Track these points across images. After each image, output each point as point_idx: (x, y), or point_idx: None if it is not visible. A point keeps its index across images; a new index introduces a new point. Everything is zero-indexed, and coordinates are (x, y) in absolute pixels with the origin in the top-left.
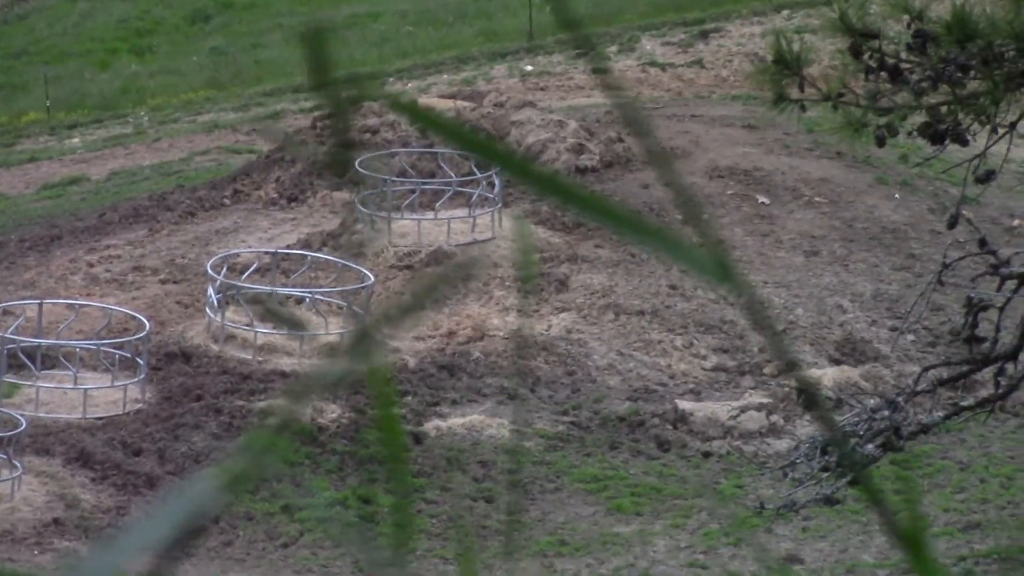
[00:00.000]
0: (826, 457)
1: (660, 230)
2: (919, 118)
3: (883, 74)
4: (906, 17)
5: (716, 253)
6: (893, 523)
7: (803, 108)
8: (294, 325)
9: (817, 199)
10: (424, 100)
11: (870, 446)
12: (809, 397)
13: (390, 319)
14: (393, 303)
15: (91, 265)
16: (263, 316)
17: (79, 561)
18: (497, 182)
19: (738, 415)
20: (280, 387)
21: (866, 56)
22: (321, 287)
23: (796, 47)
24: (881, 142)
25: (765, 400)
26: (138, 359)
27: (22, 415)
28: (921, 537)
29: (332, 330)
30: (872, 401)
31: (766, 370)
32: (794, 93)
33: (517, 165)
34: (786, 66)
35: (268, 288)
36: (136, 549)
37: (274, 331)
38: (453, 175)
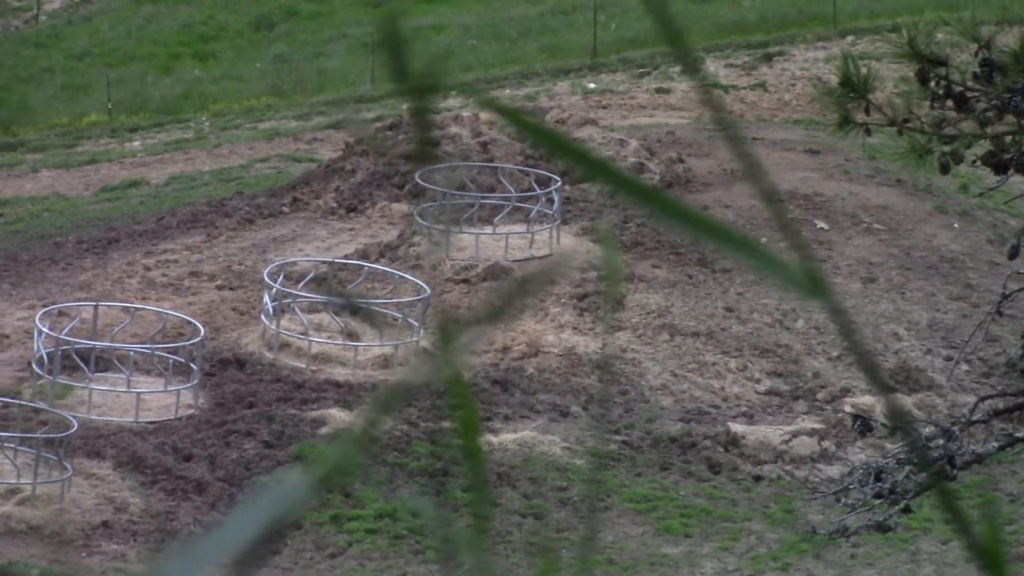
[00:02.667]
0: (880, 484)
1: (753, 243)
2: (983, 147)
3: (949, 102)
4: (974, 45)
5: (809, 268)
6: (972, 537)
7: (868, 132)
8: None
9: (876, 226)
10: (484, 114)
11: (924, 474)
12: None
13: (474, 326)
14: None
15: (148, 269)
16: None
17: (164, 563)
18: (556, 198)
19: (790, 440)
20: (366, 396)
21: (932, 83)
22: (378, 298)
23: (864, 70)
24: (945, 169)
25: (817, 425)
26: (192, 364)
27: (74, 417)
28: (999, 553)
29: (387, 341)
30: (927, 429)
31: (819, 396)
32: (859, 117)
33: (611, 173)
34: (853, 89)
35: (323, 297)
36: (221, 550)
37: (328, 340)
38: (513, 190)
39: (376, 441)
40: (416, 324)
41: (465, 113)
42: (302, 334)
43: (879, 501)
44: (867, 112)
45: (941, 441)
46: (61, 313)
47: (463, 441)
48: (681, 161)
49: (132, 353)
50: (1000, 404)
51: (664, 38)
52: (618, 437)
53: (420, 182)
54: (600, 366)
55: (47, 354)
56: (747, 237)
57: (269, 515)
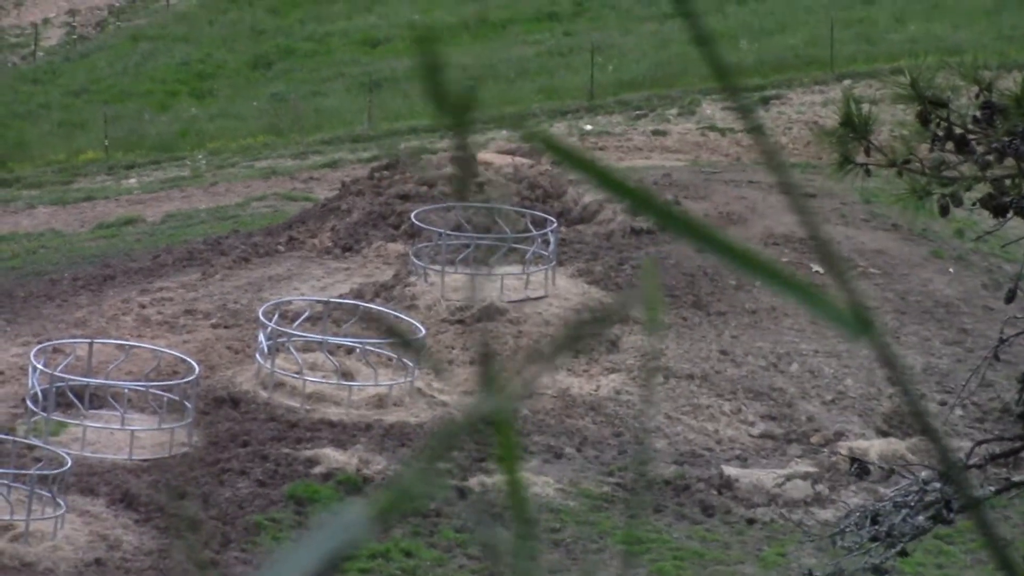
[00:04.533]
0: (876, 527)
1: (802, 281)
2: (982, 190)
3: (949, 144)
4: (975, 88)
5: (857, 307)
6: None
7: (868, 173)
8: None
9: (871, 270)
10: (483, 155)
11: (920, 517)
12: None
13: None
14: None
15: (143, 306)
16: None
17: None
18: (552, 240)
19: (784, 483)
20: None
21: (933, 125)
22: (372, 338)
23: (864, 111)
24: (945, 211)
25: (811, 469)
26: (186, 402)
27: (68, 453)
28: None
29: (381, 381)
30: (924, 473)
31: (813, 439)
32: (860, 158)
33: (657, 207)
34: (853, 129)
35: (319, 336)
36: None
37: (323, 380)
38: (508, 231)
39: (437, 475)
40: (411, 365)
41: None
42: (297, 373)
43: (875, 544)
44: (867, 153)
45: (938, 485)
46: (56, 350)
47: (507, 481)
48: (678, 203)
49: (126, 390)
50: (996, 448)
51: (714, 75)
52: (612, 479)
53: (416, 222)
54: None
55: (41, 391)
56: (794, 274)
57: (328, 549)
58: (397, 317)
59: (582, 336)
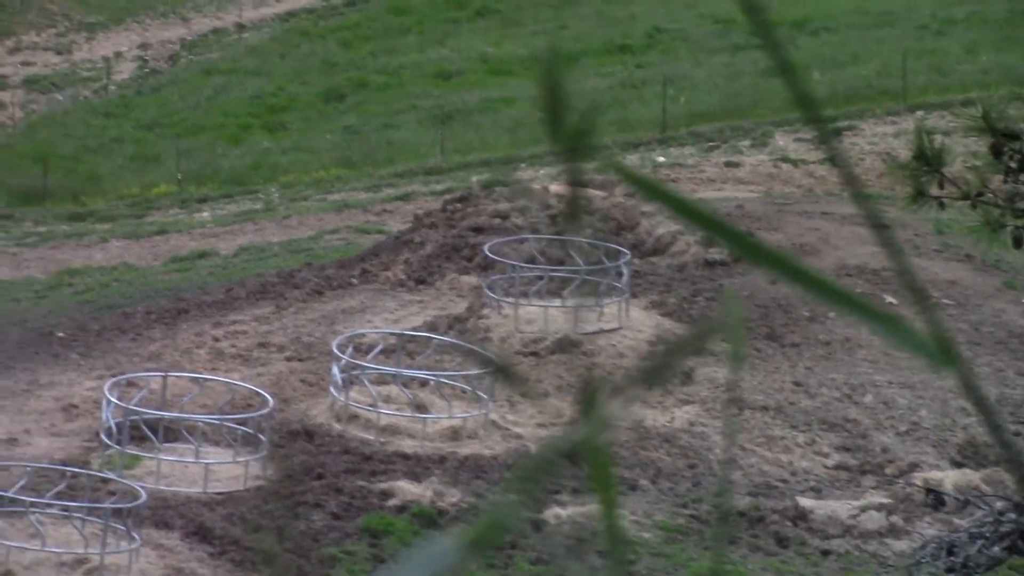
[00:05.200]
0: (952, 558)
1: (883, 311)
2: None
3: (1022, 176)
4: None
5: (940, 337)
6: None
7: (941, 206)
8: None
9: (944, 301)
10: (555, 187)
11: (996, 548)
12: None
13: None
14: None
15: (217, 340)
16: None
17: None
18: (625, 272)
19: (858, 514)
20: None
21: (1006, 157)
22: (446, 370)
23: (937, 143)
24: (1018, 243)
25: (886, 500)
26: (260, 435)
27: (142, 487)
28: None
29: (455, 413)
30: (999, 504)
31: (888, 470)
32: (933, 190)
33: (738, 238)
34: (926, 162)
35: (393, 369)
36: None
37: (397, 412)
38: (582, 263)
39: (530, 505)
40: (485, 397)
41: (535, 186)
42: (371, 406)
43: (951, 575)
44: (941, 186)
45: (1013, 515)
46: (130, 383)
47: (602, 510)
48: (751, 235)
49: (201, 424)
50: None
51: (795, 104)
52: (686, 511)
53: (489, 254)
54: (730, 400)
55: (116, 424)
56: (874, 304)
57: None
58: (476, 349)
59: (667, 367)
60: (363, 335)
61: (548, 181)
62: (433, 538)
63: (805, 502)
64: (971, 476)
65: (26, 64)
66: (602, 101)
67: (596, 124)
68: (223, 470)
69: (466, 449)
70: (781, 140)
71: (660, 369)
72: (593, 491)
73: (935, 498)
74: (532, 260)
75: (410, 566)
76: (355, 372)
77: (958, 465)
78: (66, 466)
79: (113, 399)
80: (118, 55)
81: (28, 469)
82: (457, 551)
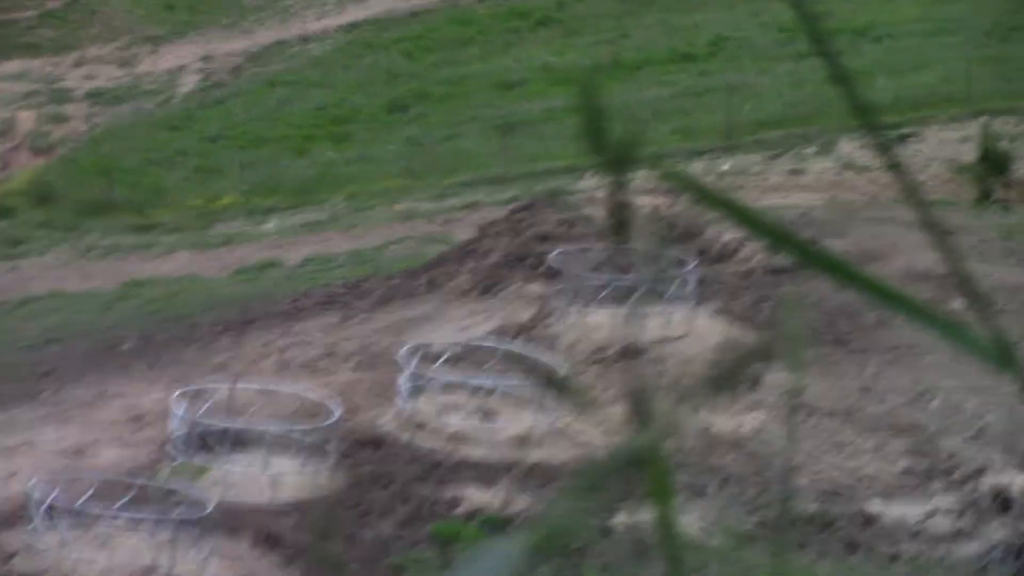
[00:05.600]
0: (1019, 561)
1: (945, 316)
2: None
3: None
4: None
5: (999, 341)
6: None
7: (1006, 209)
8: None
9: (1010, 306)
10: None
11: None
12: None
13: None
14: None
15: (283, 350)
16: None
17: None
18: (691, 279)
19: (926, 519)
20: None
21: None
22: (512, 378)
23: (1001, 147)
24: None
25: (954, 504)
26: (327, 445)
27: (210, 497)
28: None
29: (522, 422)
30: None
31: (955, 475)
32: (999, 193)
33: (798, 246)
34: (991, 166)
35: (460, 378)
36: None
37: (464, 420)
38: (647, 271)
39: (592, 512)
40: (551, 404)
41: (599, 194)
42: (438, 414)
43: None
44: (1007, 188)
45: None
46: (197, 394)
47: (658, 519)
48: (814, 243)
49: (268, 433)
50: None
51: (852, 113)
52: (754, 517)
53: (554, 263)
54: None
55: (183, 434)
56: (935, 309)
57: None
58: (538, 358)
59: (734, 374)
60: (429, 344)
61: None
62: (497, 542)
63: (873, 507)
64: None
65: (90, 78)
66: (665, 109)
67: (639, 135)
68: (291, 479)
69: (534, 456)
70: (845, 147)
71: (727, 376)
72: (652, 500)
73: (1002, 502)
74: (598, 268)
75: (475, 570)
76: (422, 381)
77: None
78: (134, 476)
79: (181, 409)
80: (182, 68)
81: (97, 479)
82: (521, 556)
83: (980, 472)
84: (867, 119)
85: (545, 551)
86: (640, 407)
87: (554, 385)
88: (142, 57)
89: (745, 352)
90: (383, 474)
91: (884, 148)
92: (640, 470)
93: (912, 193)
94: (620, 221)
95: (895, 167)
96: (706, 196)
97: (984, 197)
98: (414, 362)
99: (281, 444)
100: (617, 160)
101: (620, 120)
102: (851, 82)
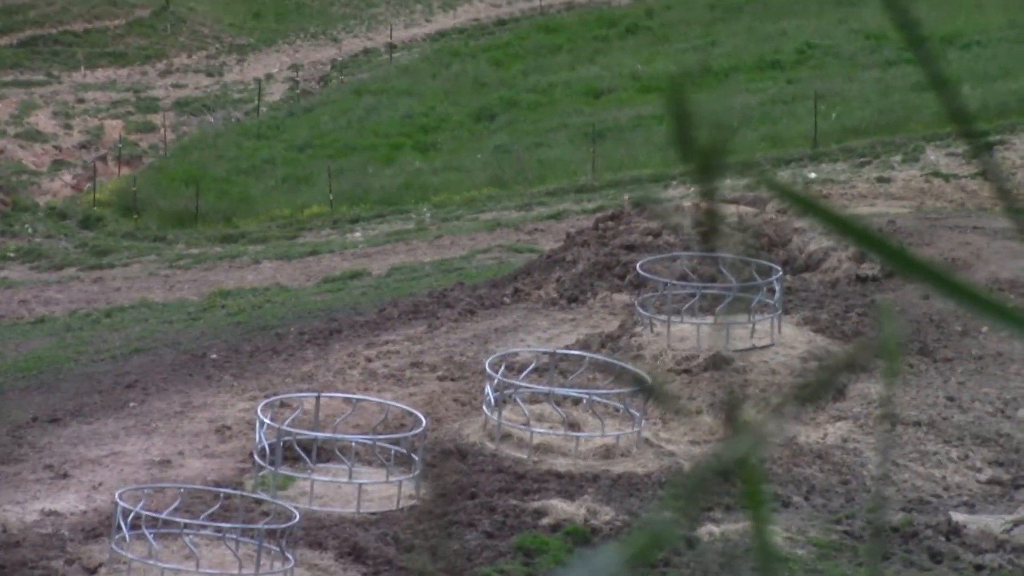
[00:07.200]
0: None
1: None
2: None
3: None
4: None
5: None
6: None
7: None
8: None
9: None
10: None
11: None
12: None
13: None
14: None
15: (369, 360)
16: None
17: None
18: (777, 288)
19: (1012, 528)
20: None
21: None
22: (599, 388)
23: None
24: None
25: None
26: (413, 455)
27: (296, 507)
28: None
29: (608, 431)
30: None
31: None
32: None
33: (894, 253)
34: None
35: (546, 388)
36: None
37: (550, 431)
38: (734, 280)
39: (684, 522)
40: (637, 415)
41: (686, 203)
42: (524, 424)
43: None
44: None
45: None
46: (283, 404)
47: (754, 527)
48: (904, 249)
49: (354, 444)
50: None
51: (950, 118)
52: (839, 527)
53: (641, 272)
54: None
55: (269, 445)
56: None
57: None
58: (625, 367)
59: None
60: (515, 354)
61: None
62: (588, 555)
63: (958, 517)
64: None
65: (177, 86)
66: (752, 117)
67: (728, 142)
68: (376, 490)
69: (619, 467)
70: (932, 155)
71: (816, 386)
72: (745, 508)
73: None
74: (684, 277)
75: None
76: (508, 391)
77: None
78: (220, 487)
79: (266, 420)
80: (269, 76)
81: (182, 490)
82: (612, 567)
83: None
84: (964, 125)
85: (635, 562)
86: (732, 417)
87: (644, 393)
88: (230, 66)
89: (834, 362)
90: (468, 485)
91: (978, 154)
92: (731, 480)
93: (1005, 200)
94: (711, 229)
95: (988, 173)
96: (800, 202)
97: None
98: (500, 372)
99: (367, 455)
100: (708, 167)
101: (708, 127)
102: (948, 87)
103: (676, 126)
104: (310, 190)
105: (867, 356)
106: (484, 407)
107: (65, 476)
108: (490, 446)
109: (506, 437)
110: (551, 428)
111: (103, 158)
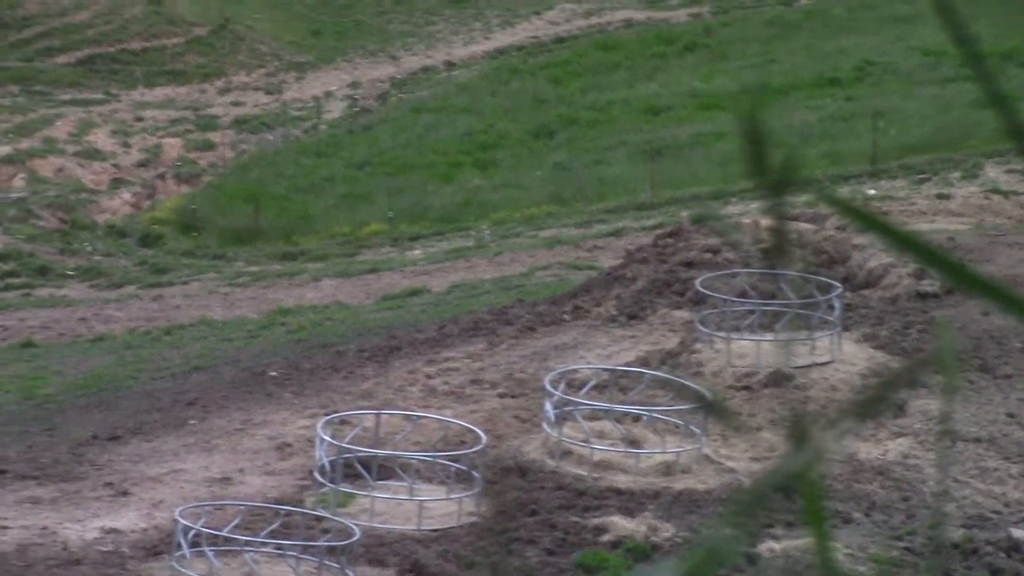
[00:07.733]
0: None
1: None
2: None
3: None
4: None
5: None
6: None
7: None
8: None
9: None
10: (763, 221)
11: None
12: None
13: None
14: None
15: (429, 377)
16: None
17: None
18: (837, 305)
19: None
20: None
21: None
22: (659, 405)
23: None
24: None
25: None
26: (474, 472)
27: (357, 525)
28: None
29: (669, 448)
30: None
31: None
32: None
33: (956, 269)
34: None
35: (606, 405)
36: None
37: (610, 448)
38: (794, 297)
39: (744, 538)
40: (698, 431)
41: (746, 220)
42: (584, 442)
43: None
44: None
45: None
46: (343, 421)
47: (815, 543)
48: (965, 265)
49: (414, 461)
50: None
51: (1009, 135)
52: (900, 544)
53: (700, 289)
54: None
55: (329, 462)
56: None
57: None
58: (686, 383)
59: (882, 400)
60: (575, 371)
61: (759, 215)
62: (647, 571)
63: (1019, 533)
64: None
65: (236, 104)
66: (811, 134)
67: (799, 159)
68: (437, 507)
69: (679, 484)
70: (992, 171)
71: (875, 402)
72: (806, 524)
73: None
74: (744, 294)
75: None
76: (568, 408)
77: None
78: (280, 504)
79: (326, 437)
80: (328, 94)
81: (242, 508)
82: None
83: None
84: (1023, 142)
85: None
86: (794, 433)
87: (704, 410)
88: (289, 83)
89: (892, 377)
90: (529, 502)
91: None
92: (792, 496)
93: None
94: (779, 245)
95: None
96: (861, 217)
97: None
98: (560, 389)
99: (427, 472)
100: (778, 186)
101: (779, 146)
102: (1007, 104)
103: (748, 145)
104: (369, 208)
105: (924, 371)
106: (544, 424)
107: (125, 494)
108: (550, 463)
109: (566, 454)
110: (611, 445)
111: (162, 176)
